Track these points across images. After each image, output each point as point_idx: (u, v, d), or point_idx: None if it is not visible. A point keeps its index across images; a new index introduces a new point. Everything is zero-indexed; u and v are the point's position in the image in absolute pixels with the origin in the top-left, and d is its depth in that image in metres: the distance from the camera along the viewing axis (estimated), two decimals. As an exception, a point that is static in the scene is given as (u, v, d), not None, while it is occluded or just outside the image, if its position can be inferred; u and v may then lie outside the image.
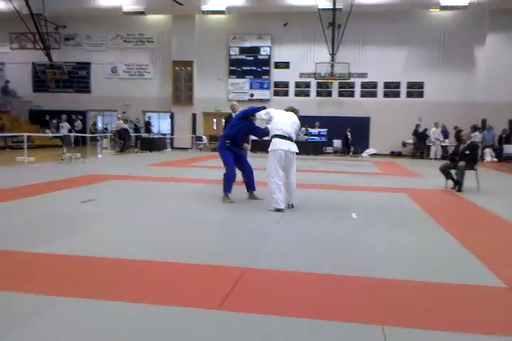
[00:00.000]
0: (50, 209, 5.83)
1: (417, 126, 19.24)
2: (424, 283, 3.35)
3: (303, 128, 20.53)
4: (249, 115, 6.60)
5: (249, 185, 6.91)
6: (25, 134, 14.05)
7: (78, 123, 21.13)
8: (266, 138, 6.63)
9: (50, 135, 19.69)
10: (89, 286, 3.09)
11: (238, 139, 6.80)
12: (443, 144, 18.81)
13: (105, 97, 23.33)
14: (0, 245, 3.99)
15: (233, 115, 8.34)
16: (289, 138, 6.03)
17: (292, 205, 6.22)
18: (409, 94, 21.04)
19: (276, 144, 5.98)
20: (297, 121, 6.29)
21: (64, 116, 20.79)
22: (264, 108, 6.54)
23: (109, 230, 4.82)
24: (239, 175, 6.95)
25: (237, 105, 8.25)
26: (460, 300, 3.07)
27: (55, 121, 21.39)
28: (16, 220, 5.12)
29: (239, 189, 6.99)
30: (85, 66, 23.93)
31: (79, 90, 24.08)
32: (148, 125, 22.16)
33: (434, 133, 18.79)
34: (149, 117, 23.06)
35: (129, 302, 2.82)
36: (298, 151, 6.11)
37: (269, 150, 6.05)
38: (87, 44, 23.78)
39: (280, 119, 6.12)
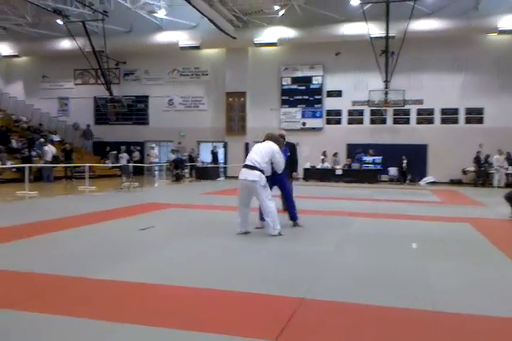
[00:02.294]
0: (110, 236, 5.98)
1: (478, 152, 18.55)
2: (494, 318, 3.12)
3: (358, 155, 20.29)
4: None
5: (289, 214, 6.80)
6: (87, 164, 14.67)
7: (136, 154, 21.87)
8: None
9: (110, 165, 20.48)
10: (147, 313, 3.09)
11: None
12: (507, 172, 17.98)
13: (162, 129, 24.12)
14: (61, 271, 4.09)
15: None
16: (251, 167, 5.94)
17: (279, 233, 5.96)
18: (468, 121, 20.36)
19: (239, 174, 6.07)
20: (267, 149, 6.12)
21: (123, 147, 21.65)
22: None
23: (166, 257, 4.86)
24: None
25: (283, 134, 8.28)
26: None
27: (114, 152, 22.30)
28: (78, 247, 5.27)
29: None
30: (143, 99, 24.95)
31: (137, 122, 25.06)
32: (214, 154, 22.40)
33: (497, 160, 18.02)
34: (215, 147, 23.32)
35: (185, 330, 2.78)
36: (256, 179, 5.85)
37: None
38: (145, 78, 24.86)
39: (252, 150, 6.23)
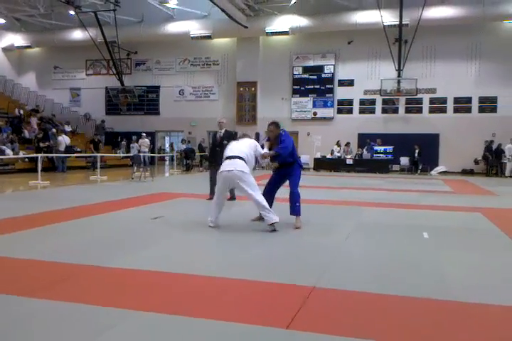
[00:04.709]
0: (122, 226, 6.04)
1: (491, 142, 18.40)
2: (508, 307, 3.11)
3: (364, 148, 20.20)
4: None
5: (292, 208, 6.11)
6: (98, 154, 14.77)
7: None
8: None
9: (121, 155, 20.63)
10: (158, 301, 3.13)
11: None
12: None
13: (173, 119, 24.17)
14: (74, 259, 4.15)
15: (218, 132, 8.68)
16: (237, 157, 5.72)
17: (274, 229, 5.64)
18: (482, 110, 20.13)
19: (222, 166, 5.77)
20: (250, 142, 5.99)
21: (134, 138, 21.72)
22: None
23: (178, 246, 4.90)
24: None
25: (224, 123, 8.73)
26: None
27: (124, 142, 22.38)
28: (90, 236, 5.33)
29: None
30: (155, 89, 24.99)
31: (148, 112, 25.12)
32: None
33: (509, 149, 17.83)
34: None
35: (196, 317, 2.82)
36: (243, 169, 5.58)
37: None
38: (156, 68, 24.87)
39: (232, 145, 6.02)
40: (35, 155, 14.38)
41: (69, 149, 17.75)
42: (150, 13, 22.43)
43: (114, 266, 3.95)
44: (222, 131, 8.70)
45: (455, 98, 20.38)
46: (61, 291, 3.31)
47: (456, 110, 20.43)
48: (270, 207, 5.99)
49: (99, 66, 25.51)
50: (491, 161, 18.49)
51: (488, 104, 20.01)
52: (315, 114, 22.15)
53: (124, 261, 4.12)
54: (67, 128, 22.33)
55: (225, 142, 8.59)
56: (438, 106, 20.60)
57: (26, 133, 19.42)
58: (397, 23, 18.53)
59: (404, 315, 2.96)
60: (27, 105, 24.14)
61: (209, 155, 9.23)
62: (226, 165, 5.69)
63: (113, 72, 23.34)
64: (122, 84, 23.52)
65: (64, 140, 17.55)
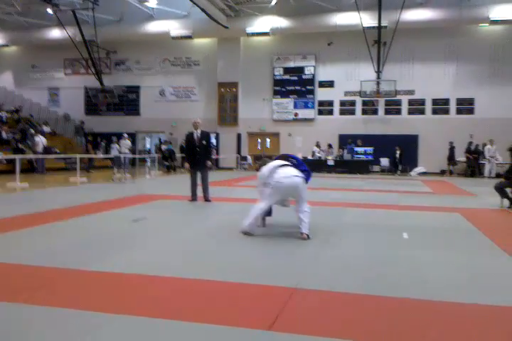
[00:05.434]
0: (103, 228, 5.97)
1: (470, 143, 18.75)
2: (484, 306, 3.17)
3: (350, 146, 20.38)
4: None
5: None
6: (78, 156, 14.57)
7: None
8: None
9: (101, 156, 20.37)
10: (140, 304, 3.10)
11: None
12: (497, 162, 18.14)
13: (153, 119, 24.00)
14: (55, 263, 4.08)
15: (194, 132, 8.66)
16: (287, 165, 5.62)
17: (309, 237, 5.42)
18: (459, 111, 20.46)
19: (281, 174, 5.44)
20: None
21: (114, 138, 21.48)
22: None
23: (160, 248, 4.86)
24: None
25: (200, 123, 8.75)
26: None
27: (103, 144, 22.12)
28: (71, 238, 5.26)
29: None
30: (135, 89, 24.78)
31: (129, 113, 24.89)
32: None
33: (488, 150, 18.16)
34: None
35: (178, 320, 2.80)
36: (302, 176, 5.50)
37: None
38: (136, 68, 24.66)
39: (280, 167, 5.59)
40: (12, 156, 14.12)
41: (48, 150, 17.48)
42: (129, 12, 22.24)
43: (95, 270, 3.90)
44: (199, 131, 8.69)
45: (433, 99, 20.69)
46: (40, 296, 3.25)
47: (434, 111, 20.74)
48: (270, 213, 6.02)
49: (78, 65, 25.19)
50: (470, 162, 18.82)
51: (466, 106, 20.36)
52: (296, 115, 22.23)
53: (104, 265, 4.07)
54: (46, 129, 21.97)
55: (204, 142, 8.60)
56: (417, 107, 20.89)
57: (3, 135, 19.04)
58: (376, 25, 18.71)
59: (385, 315, 2.99)
60: (3, 104, 23.68)
61: (187, 156, 9.01)
62: (286, 173, 5.40)
63: (92, 72, 23.07)
64: (102, 83, 23.26)
65: (41, 140, 17.27)
